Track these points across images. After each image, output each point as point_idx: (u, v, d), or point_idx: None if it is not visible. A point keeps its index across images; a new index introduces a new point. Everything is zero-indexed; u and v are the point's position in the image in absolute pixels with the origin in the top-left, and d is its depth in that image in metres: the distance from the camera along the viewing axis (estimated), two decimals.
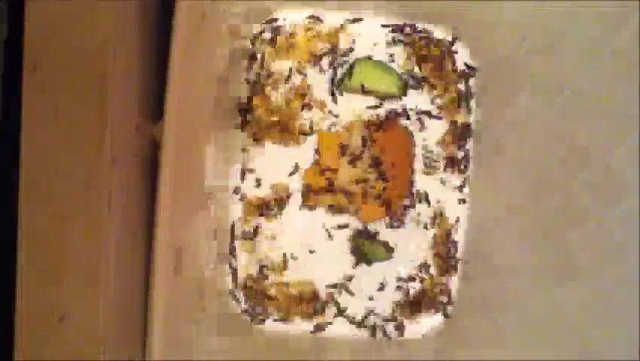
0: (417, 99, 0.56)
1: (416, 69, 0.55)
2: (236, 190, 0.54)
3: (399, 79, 0.55)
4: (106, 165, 0.32)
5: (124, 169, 0.34)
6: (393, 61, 0.55)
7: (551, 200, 0.46)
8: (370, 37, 0.55)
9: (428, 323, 0.55)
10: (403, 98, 0.55)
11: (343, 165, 0.54)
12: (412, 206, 0.56)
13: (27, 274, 0.31)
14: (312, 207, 0.55)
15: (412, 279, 0.56)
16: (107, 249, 0.32)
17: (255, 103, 0.54)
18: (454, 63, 0.56)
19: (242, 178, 0.54)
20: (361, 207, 0.55)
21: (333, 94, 0.55)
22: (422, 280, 0.56)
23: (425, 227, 0.56)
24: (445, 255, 0.56)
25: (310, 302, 0.54)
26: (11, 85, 0.32)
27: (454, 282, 0.56)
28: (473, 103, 0.56)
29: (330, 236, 0.55)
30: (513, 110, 0.51)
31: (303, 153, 0.54)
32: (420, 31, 0.56)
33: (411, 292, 0.56)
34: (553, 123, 0.46)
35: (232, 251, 0.54)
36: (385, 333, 0.55)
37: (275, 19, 0.54)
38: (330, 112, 0.55)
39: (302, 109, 0.54)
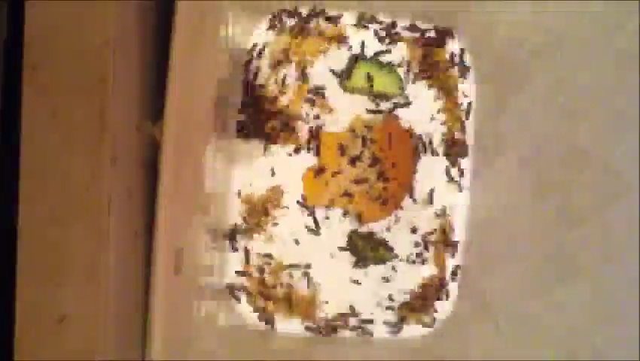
0: (417, 99, 0.56)
1: (417, 69, 0.56)
2: (236, 190, 0.54)
3: (399, 78, 0.55)
4: (106, 165, 0.31)
5: (124, 169, 0.34)
6: (393, 60, 0.55)
7: (551, 200, 0.46)
8: (370, 36, 0.55)
9: (428, 322, 0.56)
10: (404, 97, 0.55)
11: (343, 165, 0.54)
12: (413, 206, 0.56)
13: (26, 274, 0.31)
14: (311, 208, 0.55)
15: (411, 278, 0.56)
16: (107, 249, 0.32)
17: (255, 103, 0.54)
18: (454, 63, 0.56)
19: (242, 178, 0.54)
20: (361, 207, 0.55)
21: (333, 94, 0.55)
22: (421, 280, 0.56)
23: (425, 227, 0.56)
24: (445, 255, 0.56)
25: (310, 302, 0.54)
26: (11, 85, 0.32)
27: (454, 281, 0.56)
28: (473, 102, 0.56)
29: (329, 236, 0.55)
30: (514, 110, 0.51)
31: (303, 153, 0.54)
32: (421, 31, 0.56)
33: (411, 292, 0.56)
34: (553, 123, 0.46)
35: (232, 251, 0.54)
36: (384, 333, 0.55)
37: (276, 19, 0.54)
38: (330, 112, 0.55)
39: (302, 109, 0.54)
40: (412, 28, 0.55)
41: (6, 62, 0.32)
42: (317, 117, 0.55)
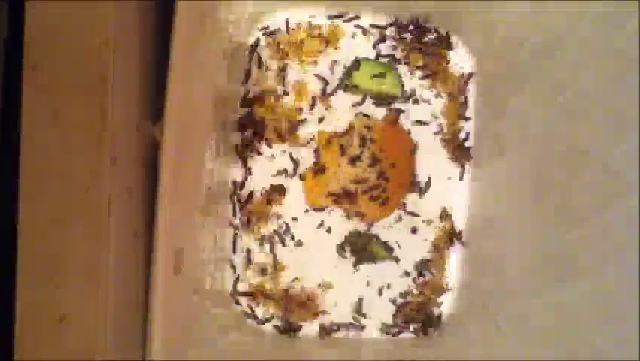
0: (417, 99, 0.56)
1: (417, 69, 0.56)
2: (236, 190, 0.54)
3: (399, 79, 0.55)
4: (106, 165, 0.32)
5: (124, 169, 0.34)
6: (393, 61, 0.55)
7: (551, 200, 0.46)
8: (371, 36, 0.55)
9: (427, 322, 0.56)
10: (403, 97, 0.55)
11: (343, 165, 0.54)
12: (412, 206, 0.56)
13: (27, 274, 0.31)
14: (311, 208, 0.55)
15: (412, 279, 0.56)
16: (107, 249, 0.32)
17: (255, 103, 0.54)
18: (454, 63, 0.56)
19: (242, 178, 0.54)
20: (361, 207, 0.55)
21: (333, 94, 0.55)
22: (421, 280, 0.56)
23: (425, 227, 0.56)
24: (445, 254, 0.56)
25: (309, 302, 0.54)
26: (11, 85, 0.32)
27: (454, 282, 0.56)
28: (473, 103, 0.56)
29: (329, 236, 0.55)
30: (513, 110, 0.51)
31: (303, 153, 0.54)
32: (421, 31, 0.56)
33: (411, 291, 0.56)
34: (553, 123, 0.46)
35: (232, 251, 0.54)
36: (384, 333, 0.55)
37: (276, 19, 0.54)
38: (330, 112, 0.55)
39: (302, 109, 0.54)
40: (413, 28, 0.55)
41: (6, 62, 0.32)
42: (317, 117, 0.55)
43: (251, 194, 0.54)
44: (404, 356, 0.54)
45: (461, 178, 0.56)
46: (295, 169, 0.54)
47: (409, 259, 0.56)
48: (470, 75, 0.56)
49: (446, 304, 0.56)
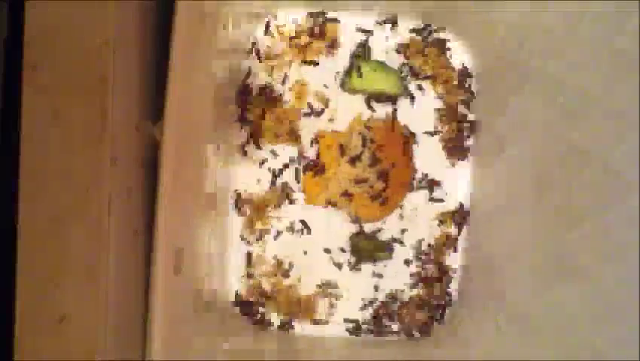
0: (417, 99, 0.56)
1: (417, 69, 0.56)
2: (236, 190, 0.54)
3: (400, 79, 0.55)
4: (106, 165, 0.32)
5: (124, 169, 0.34)
6: (394, 60, 0.55)
7: (551, 200, 0.46)
8: (371, 37, 0.55)
9: (427, 322, 0.56)
10: (404, 98, 0.55)
11: (343, 165, 0.55)
12: (412, 206, 0.56)
13: (27, 274, 0.31)
14: (311, 207, 0.55)
15: (412, 278, 0.56)
16: (107, 249, 0.32)
17: (255, 102, 0.54)
18: (454, 63, 0.56)
19: (242, 178, 0.54)
20: (361, 207, 0.55)
21: (333, 94, 0.55)
22: (421, 280, 0.56)
23: (425, 227, 0.56)
24: (445, 254, 0.56)
25: (309, 302, 0.54)
26: (11, 85, 0.32)
27: (454, 282, 0.56)
28: (473, 103, 0.56)
29: (329, 236, 0.55)
30: (513, 110, 0.51)
31: (303, 153, 0.54)
32: (421, 31, 0.56)
33: (411, 291, 0.56)
34: (553, 123, 0.46)
35: (232, 251, 0.54)
36: (384, 333, 0.55)
37: (276, 19, 0.54)
38: (330, 112, 0.55)
39: (302, 109, 0.54)
40: (413, 28, 0.55)
41: (6, 62, 0.32)
42: (317, 117, 0.55)
43: (250, 194, 0.54)
44: (404, 356, 0.54)
45: (460, 178, 0.56)
46: (295, 169, 0.54)
47: (409, 258, 0.56)
48: (471, 75, 0.56)
49: (446, 303, 0.56)
